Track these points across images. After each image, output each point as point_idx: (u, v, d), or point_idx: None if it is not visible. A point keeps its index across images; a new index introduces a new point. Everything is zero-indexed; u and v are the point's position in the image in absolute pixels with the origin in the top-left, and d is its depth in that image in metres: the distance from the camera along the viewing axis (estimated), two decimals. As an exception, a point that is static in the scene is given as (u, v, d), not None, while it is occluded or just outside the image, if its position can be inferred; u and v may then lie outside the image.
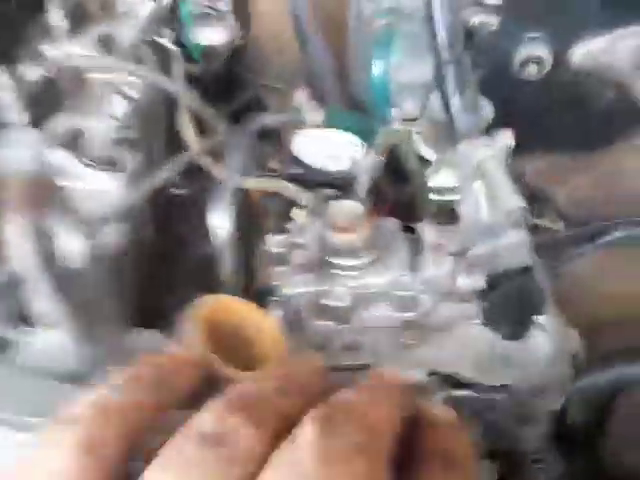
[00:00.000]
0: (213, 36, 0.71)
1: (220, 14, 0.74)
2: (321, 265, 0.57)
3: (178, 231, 0.71)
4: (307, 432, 0.25)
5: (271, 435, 0.26)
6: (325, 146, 0.74)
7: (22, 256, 0.30)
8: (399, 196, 0.79)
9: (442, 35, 0.61)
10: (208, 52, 0.73)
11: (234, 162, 0.54)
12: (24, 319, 0.48)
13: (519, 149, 0.71)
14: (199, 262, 0.68)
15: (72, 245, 0.33)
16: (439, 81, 0.63)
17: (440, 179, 0.75)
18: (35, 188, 0.33)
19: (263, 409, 0.28)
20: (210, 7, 0.74)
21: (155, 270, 0.68)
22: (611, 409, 0.67)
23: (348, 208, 0.57)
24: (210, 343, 0.42)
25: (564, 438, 0.70)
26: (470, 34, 0.74)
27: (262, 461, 0.25)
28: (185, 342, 0.43)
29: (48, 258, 0.32)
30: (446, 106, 0.65)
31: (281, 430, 0.27)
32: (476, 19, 0.70)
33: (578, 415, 0.72)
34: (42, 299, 0.32)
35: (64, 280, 0.33)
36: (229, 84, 0.86)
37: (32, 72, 0.53)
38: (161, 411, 0.32)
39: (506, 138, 0.63)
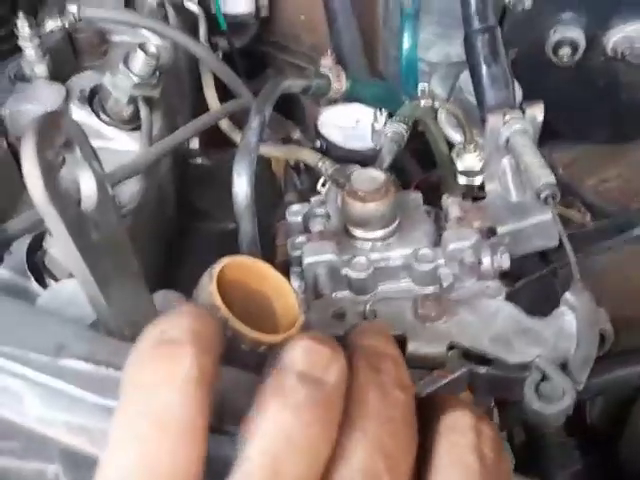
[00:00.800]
0: (239, 4, 0.70)
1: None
2: (341, 234, 0.56)
3: (199, 203, 0.70)
4: (364, 375, 0.29)
5: (348, 367, 0.28)
6: (350, 123, 0.72)
7: (38, 197, 0.29)
8: (426, 177, 0.77)
9: (474, 2, 0.59)
10: (234, 22, 0.72)
11: (254, 126, 0.52)
12: (44, 269, 0.47)
13: (547, 137, 0.69)
14: (219, 235, 0.67)
15: (89, 187, 0.32)
16: (469, 51, 0.61)
17: (468, 161, 0.73)
18: (50, 124, 0.31)
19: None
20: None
21: (175, 242, 0.67)
22: (632, 406, 0.65)
23: (370, 176, 0.55)
24: (226, 301, 0.41)
25: (583, 433, 0.68)
26: (504, 12, 0.72)
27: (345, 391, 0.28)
28: (201, 298, 0.42)
29: (64, 199, 0.30)
30: (475, 79, 0.63)
31: None
32: (510, -3, 0.68)
33: (598, 411, 0.70)
34: (59, 244, 0.31)
35: (80, 224, 0.32)
36: (255, 61, 0.85)
37: (54, 26, 0.53)
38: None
39: (536, 112, 0.61)
